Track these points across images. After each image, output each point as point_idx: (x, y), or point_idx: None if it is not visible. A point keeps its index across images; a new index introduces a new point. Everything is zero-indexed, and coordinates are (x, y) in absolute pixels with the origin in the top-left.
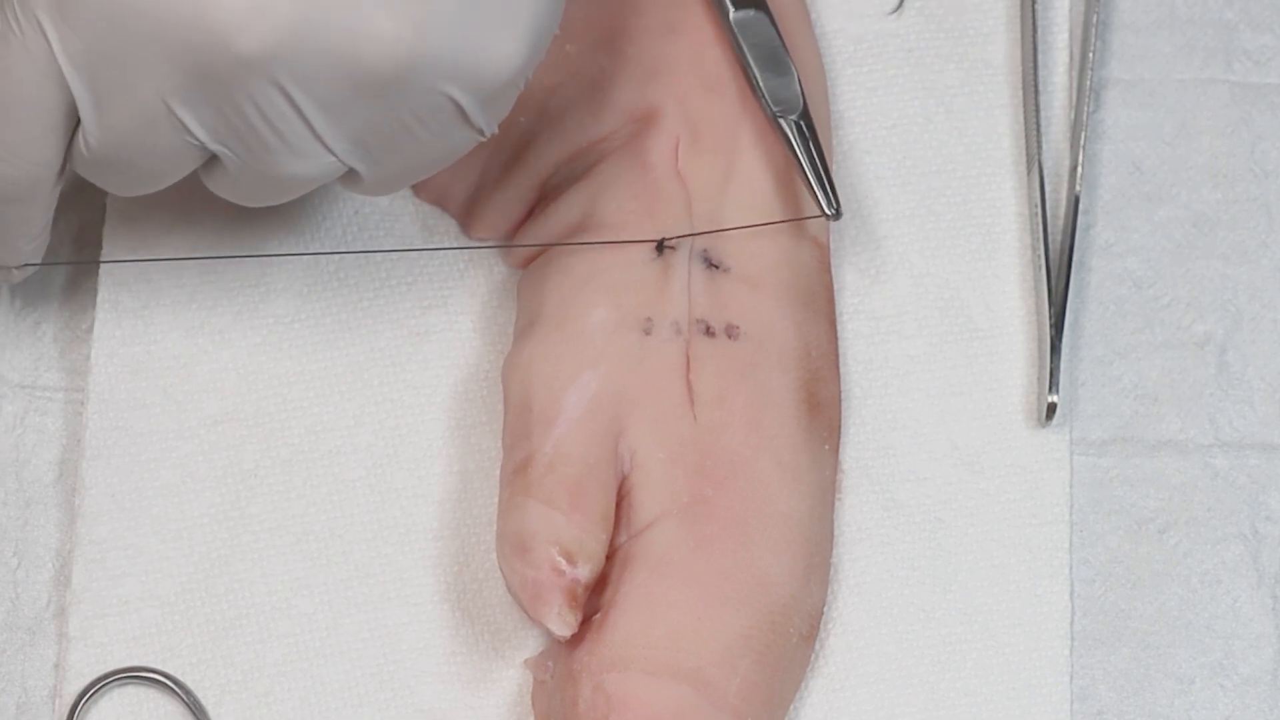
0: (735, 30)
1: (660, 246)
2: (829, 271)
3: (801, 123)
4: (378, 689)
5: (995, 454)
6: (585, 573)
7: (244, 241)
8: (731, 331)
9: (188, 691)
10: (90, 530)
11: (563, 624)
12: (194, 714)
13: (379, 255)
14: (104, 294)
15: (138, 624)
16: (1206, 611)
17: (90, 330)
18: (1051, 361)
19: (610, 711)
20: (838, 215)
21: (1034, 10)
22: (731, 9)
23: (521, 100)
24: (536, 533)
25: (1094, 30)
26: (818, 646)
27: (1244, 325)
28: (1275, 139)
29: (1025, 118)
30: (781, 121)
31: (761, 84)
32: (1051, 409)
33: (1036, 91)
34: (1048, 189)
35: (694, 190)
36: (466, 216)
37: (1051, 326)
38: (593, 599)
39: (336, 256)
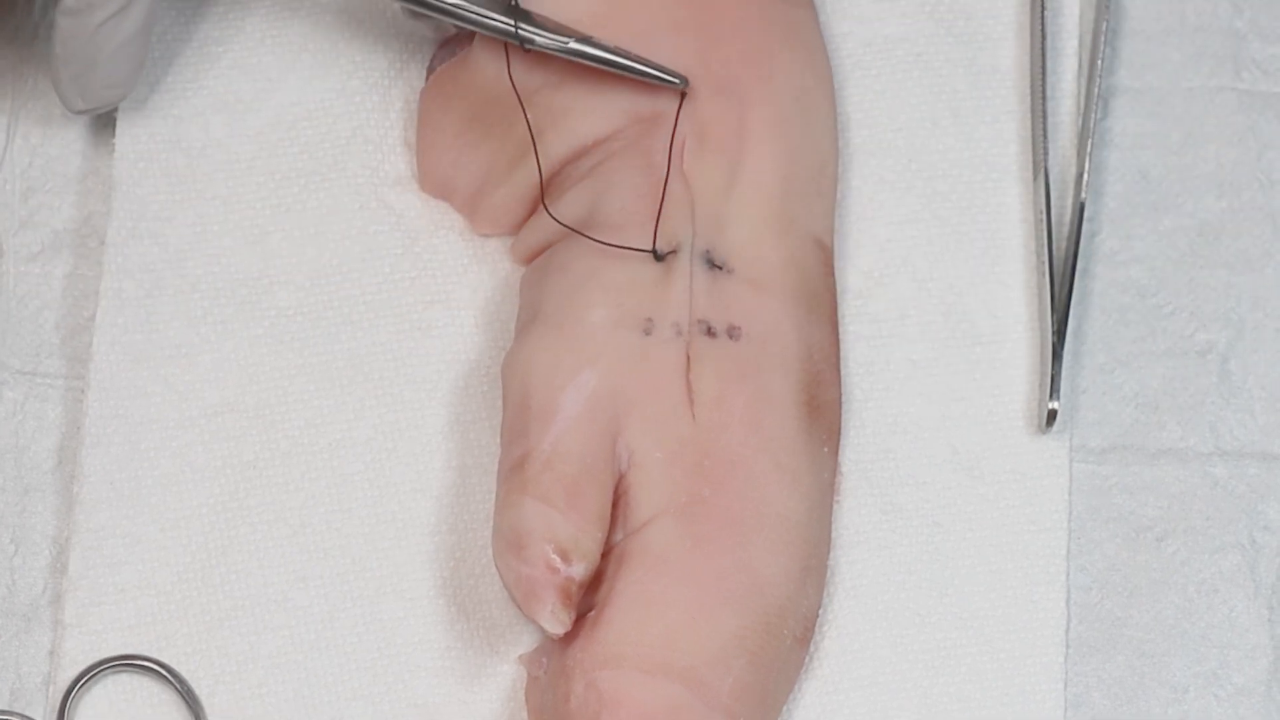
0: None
1: (656, 254)
2: (832, 274)
3: (583, 40)
4: (372, 682)
5: (995, 459)
6: (580, 571)
7: (248, 230)
8: (733, 332)
9: (181, 681)
10: (88, 518)
11: (556, 622)
12: (187, 703)
13: (383, 249)
14: (107, 281)
15: (133, 612)
16: (1202, 620)
17: (92, 318)
18: (1053, 368)
19: (602, 709)
20: (686, 82)
21: (1043, 16)
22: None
23: (528, 97)
24: (532, 530)
25: (1103, 37)
26: (812, 649)
27: (1246, 335)
28: None
29: (1032, 124)
30: (575, 45)
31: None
32: (1052, 415)
33: (1044, 98)
34: (1053, 195)
35: (698, 192)
36: (471, 212)
37: (1054, 333)
38: (588, 596)
39: (340, 249)
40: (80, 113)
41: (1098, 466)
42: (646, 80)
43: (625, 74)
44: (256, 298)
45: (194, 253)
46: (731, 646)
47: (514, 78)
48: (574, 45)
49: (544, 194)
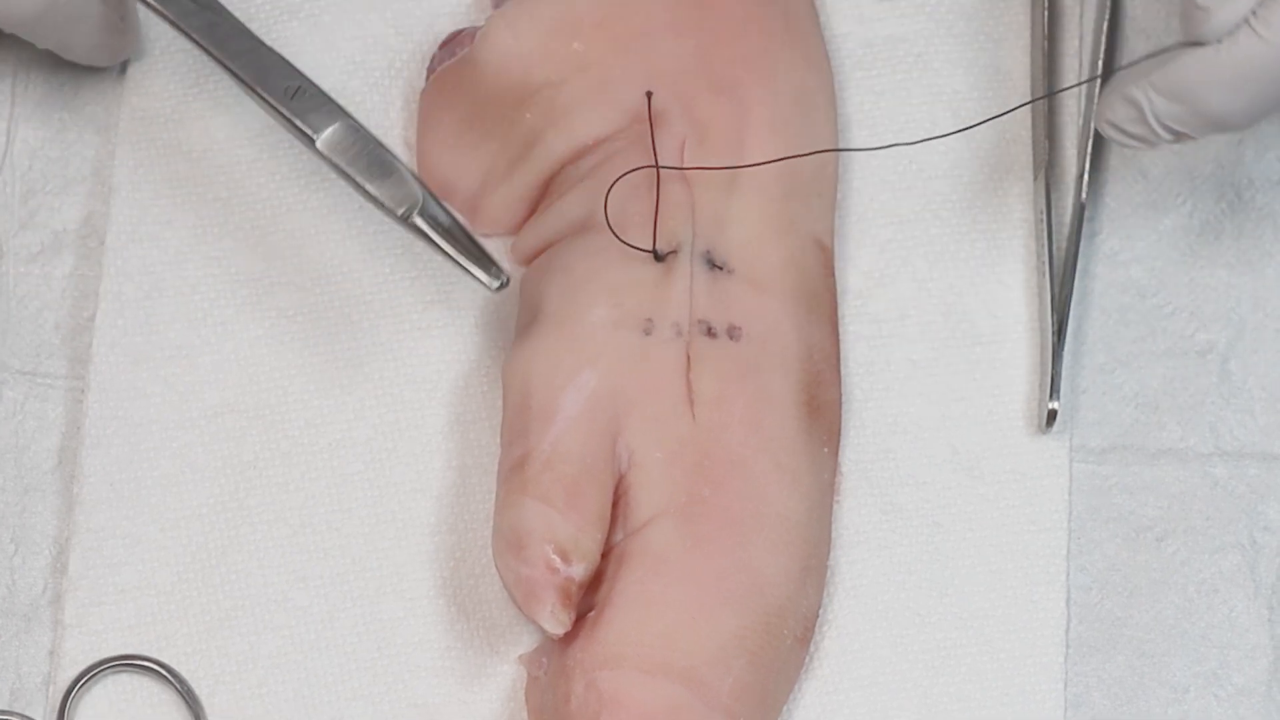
0: (327, 156)
1: (657, 254)
2: (833, 274)
3: (424, 216)
4: (371, 682)
5: (995, 460)
6: (580, 571)
7: (248, 232)
8: (733, 333)
9: (181, 681)
10: (88, 518)
11: (556, 622)
12: (187, 703)
13: (383, 250)
14: (107, 283)
15: (133, 612)
16: (1202, 620)
17: (92, 319)
18: (1053, 368)
19: (602, 709)
20: (504, 284)
21: (1044, 17)
22: (314, 137)
23: (529, 97)
24: (532, 530)
25: (1104, 38)
26: (812, 648)
27: (1246, 335)
28: None
29: (1033, 124)
30: (416, 220)
31: (375, 194)
32: (1052, 416)
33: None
34: (1054, 196)
35: (698, 191)
36: (472, 212)
37: (1054, 333)
38: (588, 596)
39: (340, 250)
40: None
41: (1098, 466)
42: (464, 272)
43: (448, 260)
44: (256, 298)
45: (194, 254)
46: (731, 646)
47: (516, 76)
48: (414, 219)
49: (538, 179)
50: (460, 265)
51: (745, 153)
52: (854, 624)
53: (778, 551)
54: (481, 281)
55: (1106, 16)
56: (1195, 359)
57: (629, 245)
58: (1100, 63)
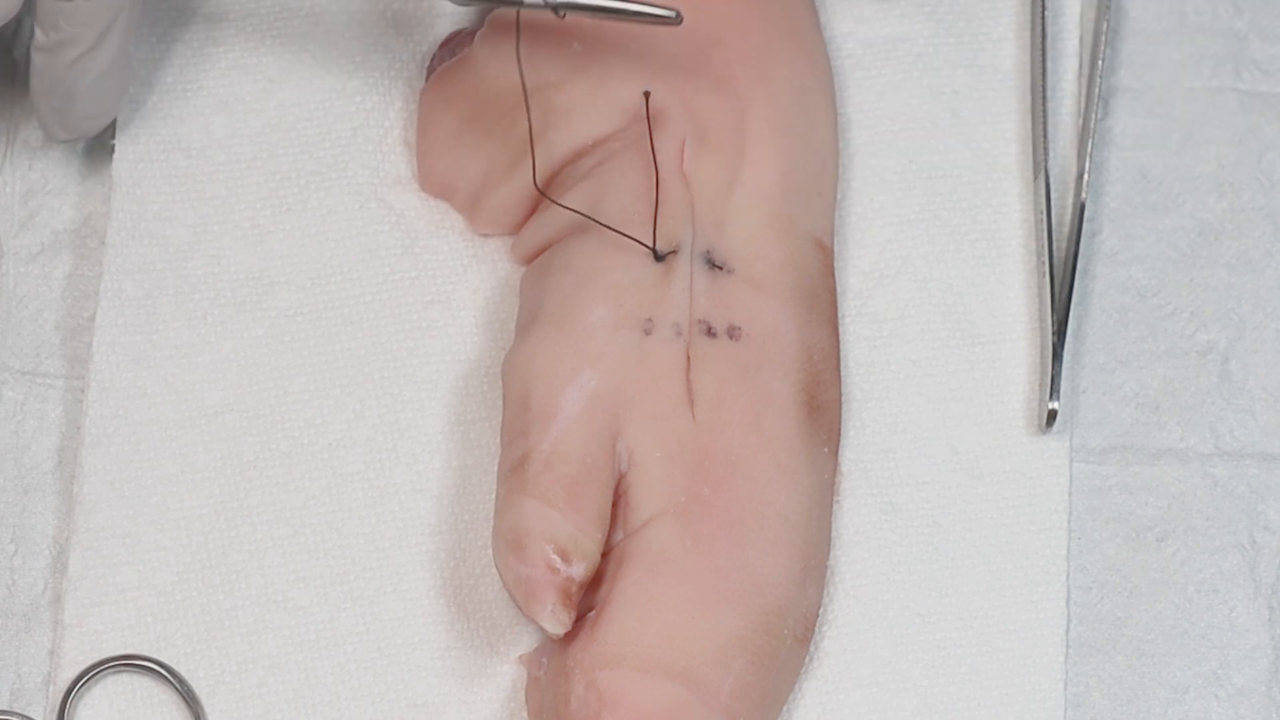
0: None
1: (656, 253)
2: (832, 274)
3: None
4: (372, 682)
5: (995, 460)
6: (580, 571)
7: (248, 231)
8: (733, 333)
9: (181, 681)
10: (88, 518)
11: (556, 622)
12: (187, 703)
13: (383, 250)
14: (107, 282)
15: (133, 612)
16: (1202, 621)
17: (92, 318)
18: (1053, 368)
19: (602, 709)
20: (678, 18)
21: (1044, 17)
22: None
23: (528, 97)
24: (532, 530)
25: (1104, 37)
26: (812, 648)
27: (1247, 335)
28: None
29: (1033, 124)
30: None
31: None
32: (1052, 416)
33: (1045, 98)
34: (1054, 196)
35: (698, 191)
36: (472, 212)
37: (1054, 333)
38: (588, 596)
39: (340, 249)
40: (63, 142)
41: (1098, 466)
42: (639, 20)
43: (617, 18)
44: (256, 298)
45: (194, 253)
46: (731, 646)
47: (515, 76)
48: None
49: (538, 181)
50: (637, 14)
51: (745, 153)
52: (854, 624)
53: (777, 551)
54: (664, 16)
55: (1107, 16)
56: (1195, 359)
57: (627, 236)
58: (1101, 63)
